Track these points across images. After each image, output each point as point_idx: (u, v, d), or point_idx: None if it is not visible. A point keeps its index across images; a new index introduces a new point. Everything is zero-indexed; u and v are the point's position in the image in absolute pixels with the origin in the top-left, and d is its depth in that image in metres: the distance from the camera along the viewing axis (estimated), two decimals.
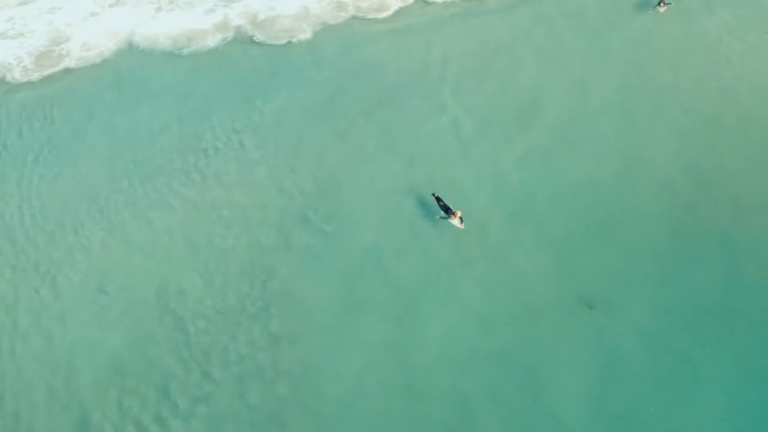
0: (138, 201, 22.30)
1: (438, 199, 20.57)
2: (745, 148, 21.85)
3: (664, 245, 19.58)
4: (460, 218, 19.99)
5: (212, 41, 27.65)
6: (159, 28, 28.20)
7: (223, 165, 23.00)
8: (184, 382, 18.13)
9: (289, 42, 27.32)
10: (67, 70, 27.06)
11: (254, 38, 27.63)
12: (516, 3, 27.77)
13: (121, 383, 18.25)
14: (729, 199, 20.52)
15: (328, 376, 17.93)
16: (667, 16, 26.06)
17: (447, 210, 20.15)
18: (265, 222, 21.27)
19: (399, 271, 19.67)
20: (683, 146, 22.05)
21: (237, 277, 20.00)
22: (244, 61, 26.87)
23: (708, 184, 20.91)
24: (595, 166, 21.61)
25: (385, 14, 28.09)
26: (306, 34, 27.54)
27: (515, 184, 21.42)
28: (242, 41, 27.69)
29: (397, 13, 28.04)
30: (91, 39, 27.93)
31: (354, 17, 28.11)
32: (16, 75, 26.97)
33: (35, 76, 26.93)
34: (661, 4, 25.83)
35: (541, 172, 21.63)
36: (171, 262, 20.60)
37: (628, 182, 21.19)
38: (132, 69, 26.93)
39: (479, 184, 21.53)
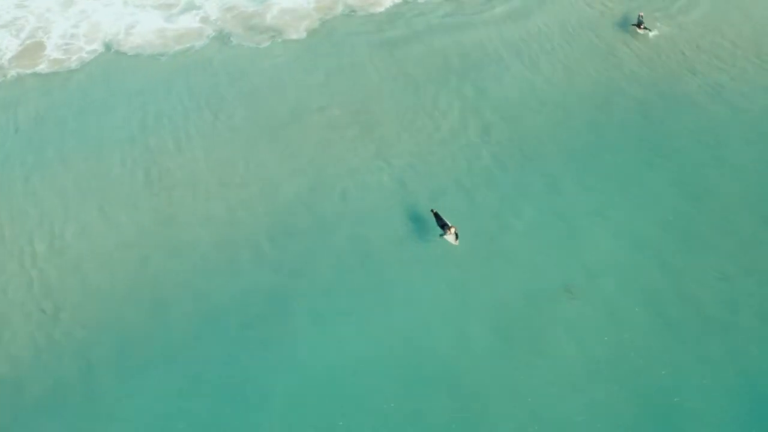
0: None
1: (437, 216, 19.93)
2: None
3: None
4: (455, 234, 19.50)
5: (194, 41, 26.57)
6: (140, 27, 27.14)
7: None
8: None
9: (274, 41, 26.40)
10: (41, 71, 25.77)
11: (238, 37, 26.66)
12: (499, 4, 27.64)
13: None
14: None
15: None
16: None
17: (444, 226, 19.60)
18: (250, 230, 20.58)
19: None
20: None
21: None
22: (228, 62, 25.84)
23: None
24: None
25: (378, 10, 27.42)
26: (299, 33, 26.77)
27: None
28: (225, 41, 26.68)
29: (389, 10, 27.39)
30: (66, 38, 26.72)
31: (344, 14, 27.38)
32: None
33: (10, 75, 25.69)
34: (641, 26, 25.77)
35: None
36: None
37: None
38: (109, 70, 25.75)
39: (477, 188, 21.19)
